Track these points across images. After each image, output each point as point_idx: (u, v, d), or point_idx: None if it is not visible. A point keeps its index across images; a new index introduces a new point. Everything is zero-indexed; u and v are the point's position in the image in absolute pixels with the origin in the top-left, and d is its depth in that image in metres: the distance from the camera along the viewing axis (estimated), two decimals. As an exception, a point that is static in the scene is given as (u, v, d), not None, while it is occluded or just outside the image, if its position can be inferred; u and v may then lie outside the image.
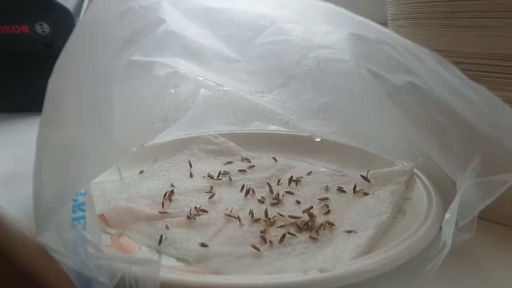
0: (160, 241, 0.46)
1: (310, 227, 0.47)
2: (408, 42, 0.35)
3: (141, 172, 0.61)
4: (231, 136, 0.70)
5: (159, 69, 0.42)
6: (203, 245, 0.45)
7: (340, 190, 0.55)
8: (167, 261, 0.44)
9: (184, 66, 0.44)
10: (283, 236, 0.46)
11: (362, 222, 0.47)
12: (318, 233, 0.46)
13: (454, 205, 0.38)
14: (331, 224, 0.47)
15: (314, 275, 0.35)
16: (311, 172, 0.61)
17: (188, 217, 0.50)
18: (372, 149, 0.55)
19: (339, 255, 0.40)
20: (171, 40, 0.42)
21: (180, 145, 0.67)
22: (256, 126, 0.72)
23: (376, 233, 0.44)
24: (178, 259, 0.44)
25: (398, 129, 0.46)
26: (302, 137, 0.68)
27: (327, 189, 0.56)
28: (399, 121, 0.43)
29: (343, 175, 0.59)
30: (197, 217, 0.50)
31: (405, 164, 0.56)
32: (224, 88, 0.46)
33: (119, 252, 0.43)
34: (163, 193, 0.54)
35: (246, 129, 0.72)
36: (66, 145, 0.29)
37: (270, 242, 0.45)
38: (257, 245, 0.44)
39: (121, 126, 0.44)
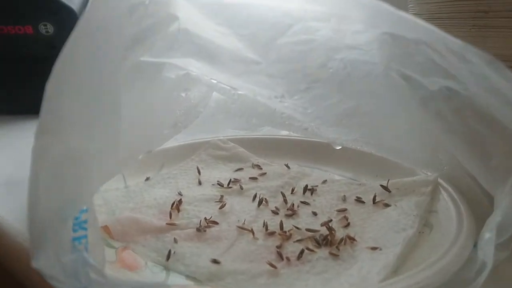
0: (168, 257, 0.42)
1: (330, 242, 0.43)
2: (455, 42, 0.31)
3: (147, 179, 0.57)
4: (240, 141, 0.66)
5: (170, 71, 0.38)
6: (215, 261, 0.41)
7: (359, 200, 0.51)
8: (176, 279, 0.40)
9: (197, 67, 0.40)
10: (301, 252, 0.42)
11: (386, 237, 0.43)
12: (338, 249, 0.42)
13: (494, 222, 0.34)
14: (352, 239, 0.43)
15: None
16: (326, 180, 0.57)
17: (198, 229, 0.46)
18: (393, 157, 0.51)
19: (366, 275, 0.36)
20: (184, 39, 0.39)
21: (188, 151, 0.64)
22: (267, 131, 0.68)
23: (403, 250, 0.40)
24: (188, 276, 0.40)
25: (425, 136, 0.42)
26: (315, 143, 0.65)
27: (344, 199, 0.52)
28: (428, 128, 0.39)
29: (360, 184, 0.56)
30: (208, 230, 0.46)
31: (429, 173, 0.52)
32: (239, 92, 0.42)
33: (123, 270, 0.39)
34: (171, 202, 0.51)
35: (256, 134, 0.68)
36: (66, 157, 0.25)
37: (287, 258, 0.41)
38: (274, 262, 0.41)
39: (127, 132, 0.40)
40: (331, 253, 0.42)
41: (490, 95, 0.31)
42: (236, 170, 0.61)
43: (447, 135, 0.37)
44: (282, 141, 0.67)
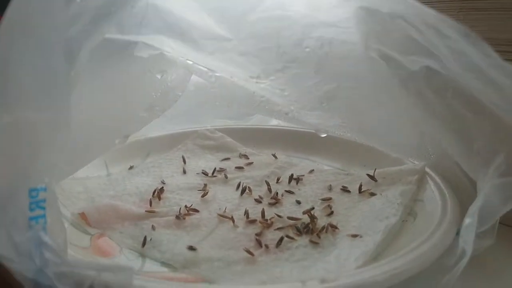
0: (144, 243, 0.41)
1: (311, 230, 0.42)
2: (430, 14, 0.29)
3: (131, 167, 0.56)
4: (229, 131, 0.65)
5: (142, 50, 0.36)
6: (191, 248, 0.39)
7: (345, 190, 0.50)
8: (151, 266, 0.38)
9: (171, 47, 0.38)
10: (281, 239, 0.40)
11: (369, 225, 0.42)
12: (319, 237, 0.41)
13: (474, 208, 0.32)
14: (334, 227, 0.42)
15: (313, 286, 0.30)
16: (313, 170, 0.55)
17: (177, 217, 0.44)
18: (379, 146, 0.49)
19: (343, 262, 0.35)
20: (152, 14, 0.37)
21: (175, 140, 0.62)
22: (256, 121, 0.67)
23: (385, 238, 0.39)
24: (163, 263, 0.39)
25: (411, 122, 0.40)
26: (304, 133, 0.63)
27: (330, 188, 0.51)
28: (412, 113, 0.38)
29: (347, 174, 0.54)
30: (187, 217, 0.45)
31: (416, 162, 0.51)
32: (217, 74, 0.41)
33: (97, 256, 0.38)
34: (152, 191, 0.49)
35: (245, 124, 0.67)
36: (15, 129, 0.24)
37: (266, 246, 0.40)
38: (252, 250, 0.39)
39: (101, 116, 0.39)
40: (311, 241, 0.40)
41: (470, 73, 0.29)
42: (223, 160, 0.59)
43: (429, 118, 0.36)
44: (271, 131, 0.65)
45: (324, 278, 0.31)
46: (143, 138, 0.61)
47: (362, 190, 0.49)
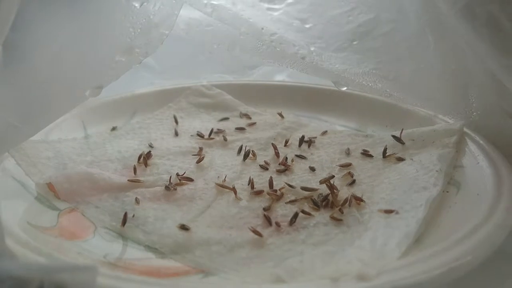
0: (124, 221, 0.32)
1: (331, 203, 0.33)
2: None
3: (114, 128, 0.47)
4: (228, 88, 0.55)
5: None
6: (183, 227, 0.31)
7: (366, 154, 0.41)
8: (133, 252, 0.30)
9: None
10: (295, 215, 0.32)
11: (403, 197, 0.33)
12: (342, 212, 0.32)
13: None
14: (359, 200, 0.33)
15: (348, 286, 0.21)
16: (326, 131, 0.46)
17: (167, 188, 0.35)
18: (412, 100, 0.40)
19: (381, 249, 0.26)
20: None
21: (165, 97, 0.53)
22: (258, 76, 0.57)
23: (426, 215, 0.30)
24: (148, 247, 0.30)
25: (455, 68, 0.31)
26: (314, 89, 0.54)
27: (348, 152, 0.42)
28: (462, 56, 0.28)
29: (367, 136, 0.45)
30: (179, 188, 0.36)
31: (451, 121, 0.42)
32: (214, 2, 0.31)
33: (61, 239, 0.29)
34: (138, 155, 0.40)
35: (246, 79, 0.57)
36: None
37: (277, 224, 0.31)
38: (259, 229, 0.30)
39: (65, 62, 0.29)
40: (332, 218, 0.32)
41: None
42: (221, 120, 0.50)
43: (492, 58, 0.26)
44: (276, 87, 0.56)
45: (361, 273, 0.22)
46: (129, 94, 0.51)
47: (387, 154, 0.40)
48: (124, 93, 0.51)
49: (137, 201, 0.34)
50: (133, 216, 0.32)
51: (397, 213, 0.30)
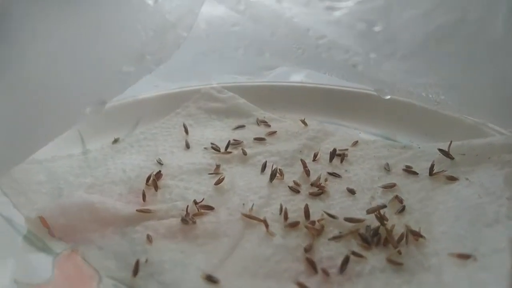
0: (136, 270, 0.25)
1: (384, 239, 0.27)
2: None
3: (116, 140, 0.40)
4: (241, 90, 0.48)
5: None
6: (210, 279, 0.24)
7: (409, 171, 0.35)
8: None
9: None
10: (346, 260, 0.25)
11: (471, 233, 0.27)
12: (400, 252, 0.26)
13: None
14: (417, 235, 0.27)
15: None
16: (357, 141, 0.40)
17: (184, 220, 0.29)
18: (478, 115, 0.33)
19: None
20: None
21: (171, 102, 0.46)
22: (273, 77, 0.50)
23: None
24: None
25: None
26: (337, 91, 0.48)
27: (388, 169, 0.36)
28: None
29: (405, 147, 0.39)
30: (198, 220, 0.29)
31: (507, 132, 0.35)
32: None
33: None
34: (146, 176, 0.33)
35: (261, 80, 0.50)
36: None
37: (324, 271, 0.25)
38: (303, 278, 0.24)
39: (63, 75, 0.22)
40: (390, 261, 0.25)
41: None
42: (236, 128, 0.43)
43: None
44: (295, 90, 0.49)
45: None
46: (130, 100, 0.45)
47: (435, 171, 0.34)
48: (126, 98, 0.44)
49: (149, 238, 0.28)
50: (146, 261, 0.26)
51: (474, 259, 0.24)
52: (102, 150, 0.38)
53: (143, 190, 0.32)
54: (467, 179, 0.33)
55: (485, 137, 0.36)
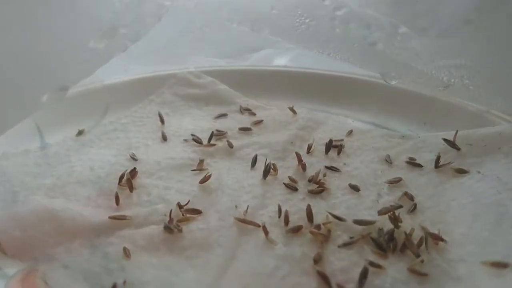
0: None
1: (402, 245, 0.23)
2: None
3: (80, 132, 0.34)
4: (221, 75, 0.44)
5: None
6: None
7: (412, 163, 0.31)
8: None
9: None
10: (364, 273, 0.21)
11: (498, 236, 0.23)
12: (422, 261, 0.22)
13: None
14: (437, 239, 0.23)
15: None
16: (351, 131, 0.36)
17: (167, 228, 0.24)
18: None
19: None
20: None
21: (144, 88, 0.41)
22: (256, 60, 0.45)
23: None
24: None
25: None
26: (326, 76, 0.44)
27: (390, 161, 0.32)
28: None
29: (403, 137, 0.35)
30: (185, 227, 0.24)
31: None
32: None
33: None
34: (118, 175, 0.28)
35: (242, 64, 0.45)
36: None
37: (340, 287, 0.21)
38: None
39: (11, 50, 0.17)
40: (412, 271, 0.22)
41: None
42: (218, 117, 0.39)
43: None
44: (280, 74, 0.45)
45: None
46: (97, 85, 0.39)
47: (441, 163, 0.31)
48: (91, 83, 0.38)
49: (126, 252, 0.23)
50: (124, 283, 0.21)
51: (511, 268, 0.21)
52: (64, 144, 0.33)
53: (116, 192, 0.27)
54: (478, 172, 0.29)
55: (490, 126, 0.33)
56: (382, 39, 0.24)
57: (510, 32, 0.21)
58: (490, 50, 0.23)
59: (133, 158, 0.31)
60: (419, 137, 0.35)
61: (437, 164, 0.31)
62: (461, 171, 0.30)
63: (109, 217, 0.25)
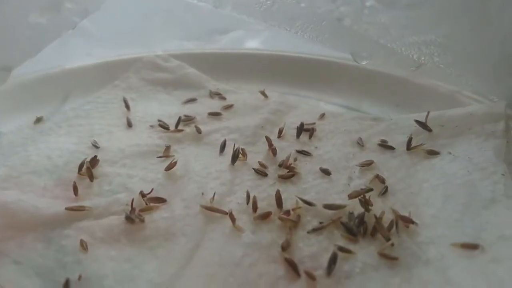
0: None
1: (372, 228, 0.23)
2: None
3: (39, 120, 0.32)
4: (189, 58, 0.42)
5: None
6: None
7: (384, 145, 0.31)
8: None
9: None
10: (333, 258, 0.20)
11: (468, 216, 0.23)
12: (393, 244, 0.21)
13: None
14: (407, 222, 0.23)
15: None
16: (324, 114, 0.35)
17: (129, 218, 0.23)
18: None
19: None
20: None
21: (108, 73, 0.39)
22: (226, 43, 0.44)
23: None
24: None
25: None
26: (297, 58, 0.43)
27: (361, 143, 0.31)
28: None
29: (376, 119, 0.34)
30: (147, 217, 0.23)
31: (491, 101, 0.32)
32: None
33: None
34: (78, 163, 0.26)
35: (212, 47, 0.43)
36: None
37: (309, 275, 0.20)
38: (283, 285, 0.19)
39: None
40: (382, 255, 0.21)
41: None
42: (187, 102, 0.37)
43: None
44: (250, 57, 0.44)
45: None
46: (57, 70, 0.36)
47: (413, 145, 0.30)
48: (51, 68, 0.36)
49: (83, 245, 0.21)
50: (79, 278, 0.19)
51: (483, 250, 0.20)
52: (20, 132, 0.31)
53: (74, 182, 0.26)
54: (450, 153, 0.29)
55: (462, 107, 0.32)
56: (350, 13, 0.23)
57: (482, 3, 0.21)
58: (461, 23, 0.22)
59: (95, 146, 0.30)
60: (391, 119, 0.34)
61: (409, 146, 0.30)
62: (433, 153, 0.29)
63: (66, 208, 0.23)
